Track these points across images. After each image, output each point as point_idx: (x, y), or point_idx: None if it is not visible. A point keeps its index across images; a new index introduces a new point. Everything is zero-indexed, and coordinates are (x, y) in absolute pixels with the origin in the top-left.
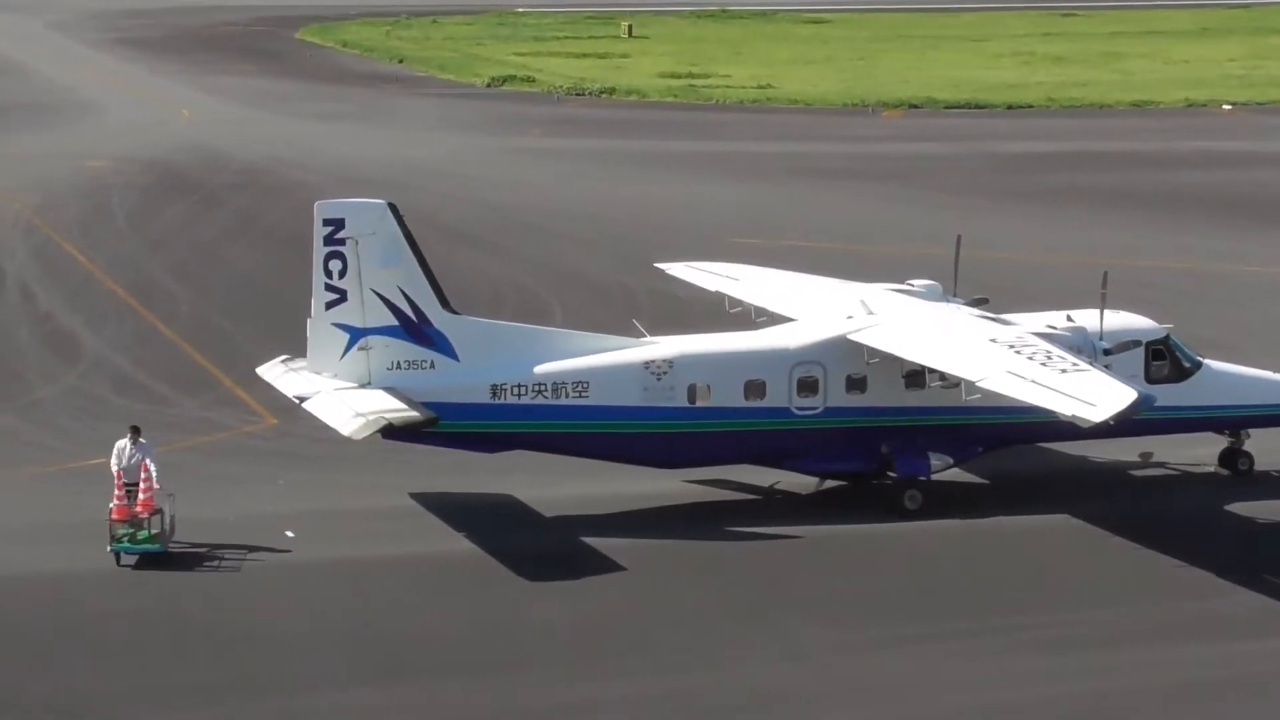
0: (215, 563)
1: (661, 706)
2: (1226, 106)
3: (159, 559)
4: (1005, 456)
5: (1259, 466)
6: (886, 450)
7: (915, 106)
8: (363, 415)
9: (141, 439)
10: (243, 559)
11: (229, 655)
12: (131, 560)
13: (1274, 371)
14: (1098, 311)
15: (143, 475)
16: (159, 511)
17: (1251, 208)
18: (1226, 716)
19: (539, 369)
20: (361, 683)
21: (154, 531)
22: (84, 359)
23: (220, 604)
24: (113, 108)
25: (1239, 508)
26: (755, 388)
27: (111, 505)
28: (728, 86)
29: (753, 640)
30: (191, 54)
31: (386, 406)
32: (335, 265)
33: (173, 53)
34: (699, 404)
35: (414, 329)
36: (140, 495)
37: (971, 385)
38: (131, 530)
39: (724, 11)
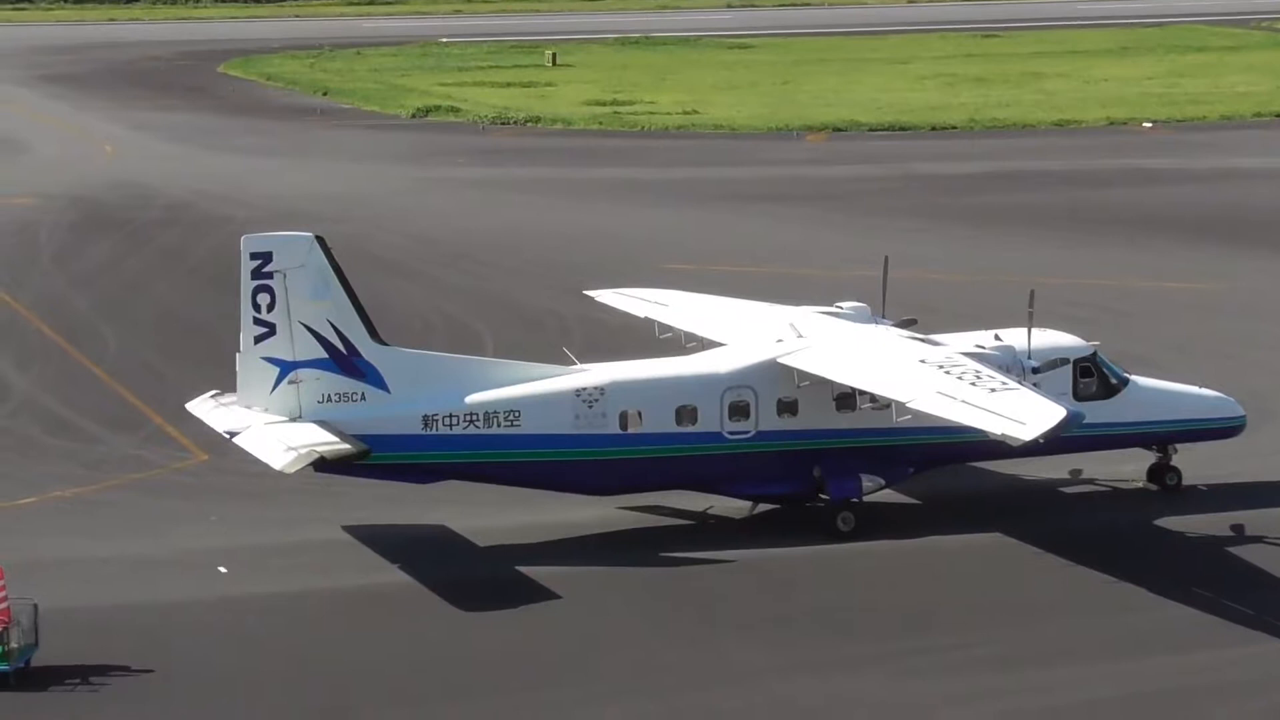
0: (76, 680)
1: None
2: (1147, 124)
3: (7, 679)
4: (936, 476)
5: (1186, 481)
6: (818, 473)
7: (839, 130)
8: (294, 449)
9: None
10: (106, 676)
11: (168, 693)
12: None
13: (1199, 386)
14: (1025, 330)
15: None
16: (12, 625)
17: (1174, 224)
18: None
19: (470, 399)
20: (304, 718)
21: (9, 646)
22: (12, 399)
23: (157, 642)
24: (37, 144)
25: (1168, 522)
26: (687, 413)
27: None
28: (653, 113)
29: (692, 665)
30: (115, 90)
31: (318, 440)
32: (263, 299)
33: (97, 89)
34: (631, 430)
35: (344, 361)
36: None
37: (902, 406)
38: None
39: (647, 38)
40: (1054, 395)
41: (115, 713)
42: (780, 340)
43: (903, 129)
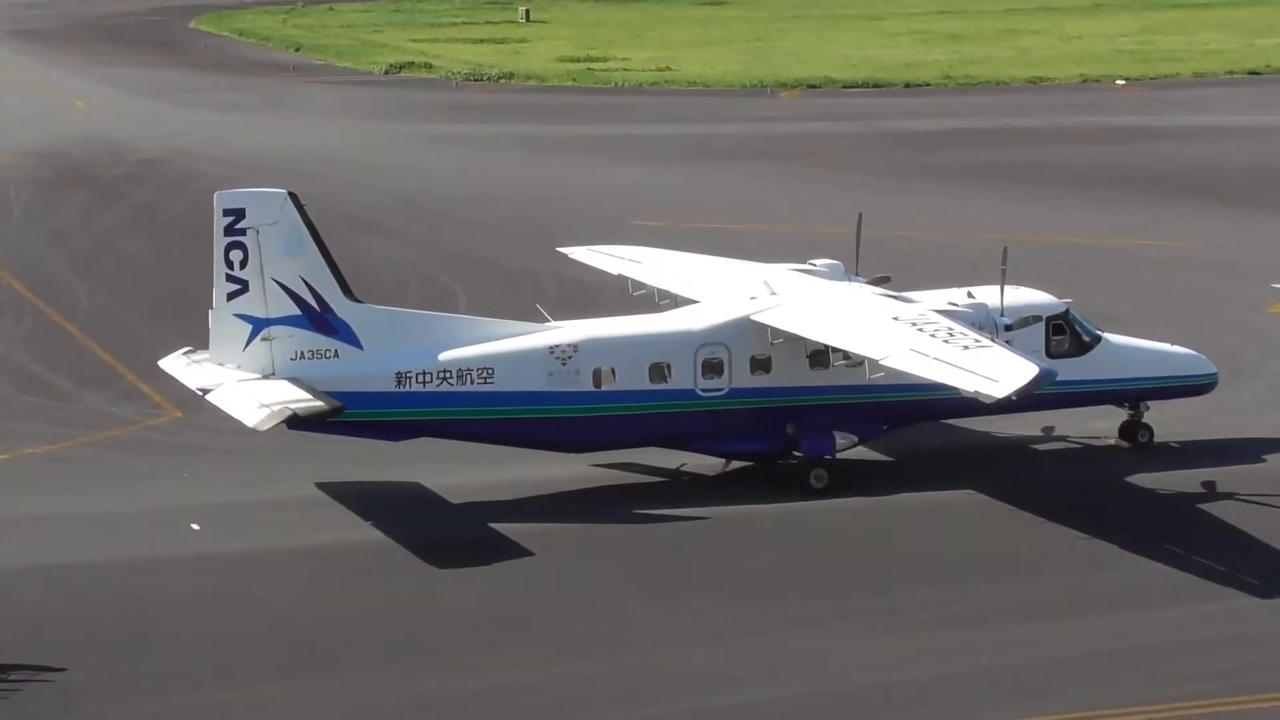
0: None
1: (576, 691)
2: (1121, 82)
3: None
4: (910, 433)
5: (1158, 438)
6: (792, 430)
7: (813, 87)
8: (267, 406)
9: None
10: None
11: (142, 650)
12: None
13: (1171, 344)
14: (998, 287)
15: None
16: None
17: (1147, 182)
18: (1143, 686)
19: (443, 356)
20: (276, 676)
21: None
22: None
23: (129, 599)
24: (7, 100)
25: (1139, 479)
26: (660, 370)
27: None
28: (626, 70)
29: (665, 622)
30: (87, 45)
31: (291, 397)
32: (236, 256)
33: (68, 44)
34: (604, 388)
35: (317, 318)
36: None
37: (875, 364)
38: None
39: None
40: (1027, 352)
41: (88, 669)
42: (754, 298)
43: (877, 86)
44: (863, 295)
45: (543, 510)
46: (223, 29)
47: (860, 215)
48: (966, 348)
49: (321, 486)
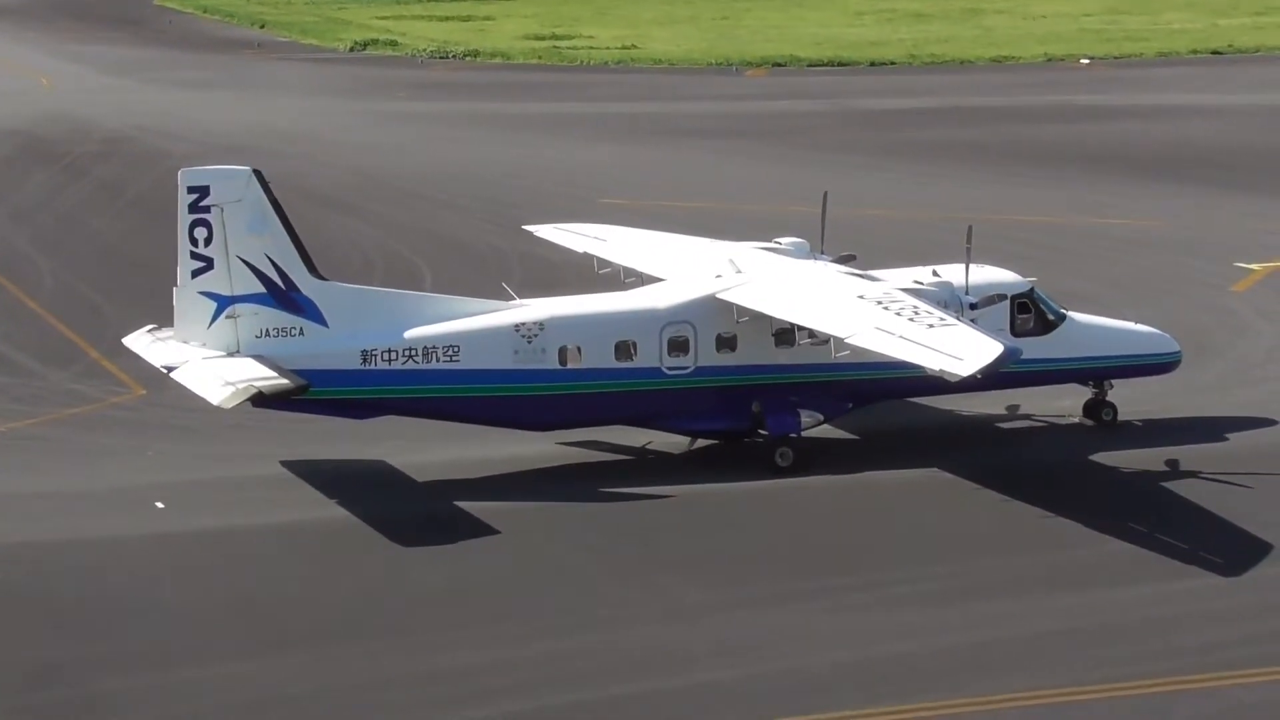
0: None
1: (542, 669)
2: (1085, 61)
3: None
4: (875, 412)
5: (1122, 416)
6: (757, 408)
7: (779, 65)
8: (232, 384)
9: None
10: None
11: (107, 629)
12: None
13: (1136, 322)
14: (963, 266)
15: None
16: None
17: (1111, 160)
18: (1107, 663)
19: (409, 334)
20: (242, 654)
21: None
22: None
23: (94, 578)
24: None
25: (1103, 457)
26: (626, 348)
27: None
28: (592, 47)
29: (631, 601)
30: (52, 21)
31: (256, 374)
32: (201, 233)
33: (31, 20)
34: (570, 366)
35: (282, 296)
36: None
37: (840, 342)
38: None
39: None
40: (991, 331)
41: (51, 648)
42: (719, 276)
43: (842, 64)
44: (828, 274)
45: (508, 488)
46: (187, 6)
47: (826, 194)
48: (931, 326)
49: (286, 465)
